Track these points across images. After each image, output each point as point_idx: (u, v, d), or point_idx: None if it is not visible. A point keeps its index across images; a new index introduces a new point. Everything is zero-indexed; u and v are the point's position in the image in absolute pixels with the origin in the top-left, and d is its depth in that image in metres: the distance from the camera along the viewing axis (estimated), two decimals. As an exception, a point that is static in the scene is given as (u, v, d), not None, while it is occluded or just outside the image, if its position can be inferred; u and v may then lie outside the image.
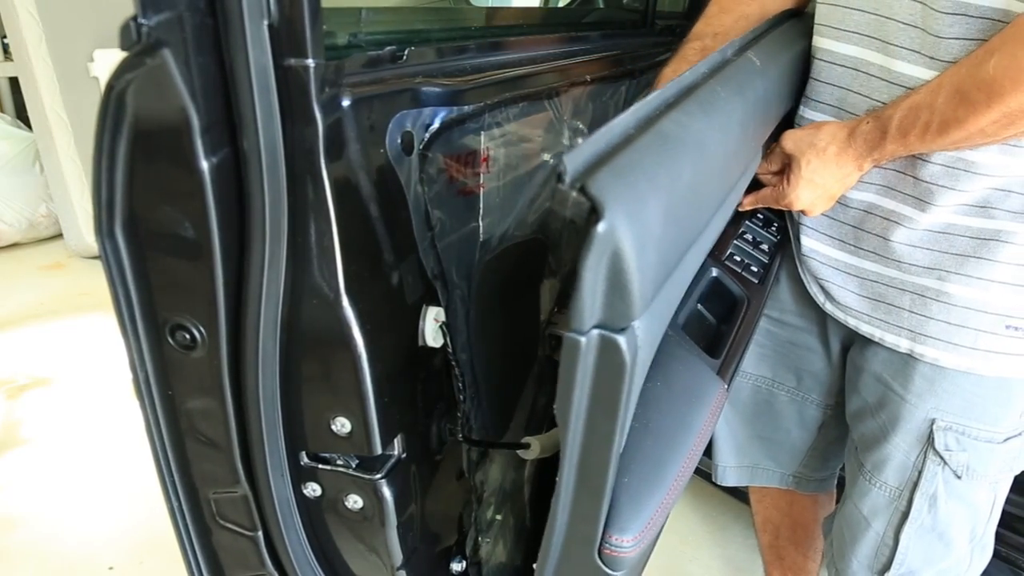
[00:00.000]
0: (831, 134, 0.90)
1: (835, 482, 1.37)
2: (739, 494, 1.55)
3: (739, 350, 0.96)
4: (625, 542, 0.62)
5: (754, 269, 1.05)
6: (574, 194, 0.42)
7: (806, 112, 0.99)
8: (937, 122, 0.79)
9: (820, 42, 0.96)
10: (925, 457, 0.99)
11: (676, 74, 0.99)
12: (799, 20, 1.05)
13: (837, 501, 1.44)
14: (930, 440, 0.98)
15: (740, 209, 1.03)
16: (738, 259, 1.05)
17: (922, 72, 0.84)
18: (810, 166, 0.91)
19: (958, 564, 1.06)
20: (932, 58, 0.82)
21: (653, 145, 0.51)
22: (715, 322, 1.02)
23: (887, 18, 0.86)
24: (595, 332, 0.46)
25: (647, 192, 0.47)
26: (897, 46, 0.85)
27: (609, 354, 0.47)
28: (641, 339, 0.50)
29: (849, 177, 0.91)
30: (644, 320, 0.50)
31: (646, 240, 0.47)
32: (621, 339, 0.47)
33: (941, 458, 0.98)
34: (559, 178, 0.42)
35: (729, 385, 0.89)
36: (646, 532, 0.63)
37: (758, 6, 1.05)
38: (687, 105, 0.60)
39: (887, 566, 1.06)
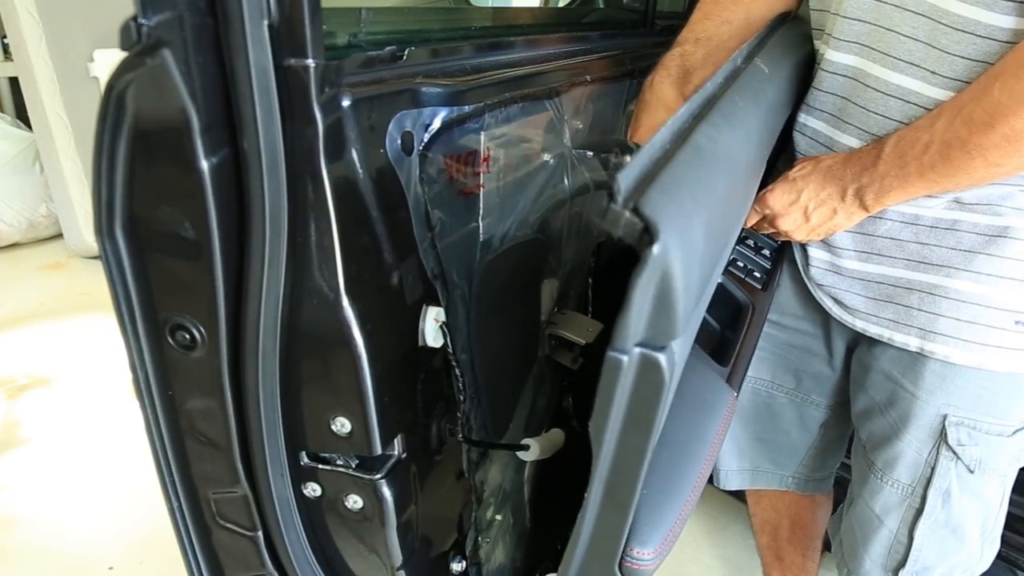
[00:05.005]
0: (833, 154, 0.91)
1: (832, 481, 1.37)
2: (738, 494, 1.56)
3: (746, 357, 0.97)
4: (646, 555, 0.62)
5: (757, 275, 1.05)
6: (627, 214, 0.40)
7: (808, 120, 0.99)
8: (938, 142, 0.79)
9: (821, 48, 0.96)
10: (938, 453, 0.99)
11: (657, 84, 1.01)
12: (795, 25, 1.04)
13: (835, 500, 1.44)
14: (943, 435, 0.98)
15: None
16: (741, 265, 1.05)
17: (922, 86, 0.84)
18: (799, 168, 0.91)
19: (970, 558, 1.07)
20: (934, 72, 0.82)
21: (691, 160, 0.51)
22: (719, 328, 1.02)
23: (887, 29, 0.85)
24: (637, 351, 0.46)
25: (692, 210, 0.47)
26: (897, 58, 0.85)
27: (649, 372, 0.47)
28: (677, 356, 0.49)
29: (829, 200, 0.90)
30: (681, 338, 0.50)
31: (692, 259, 0.46)
32: (662, 357, 0.46)
33: (954, 453, 0.99)
34: (611, 196, 0.41)
35: (738, 392, 0.89)
36: (665, 544, 0.64)
37: (742, 11, 1.04)
38: (713, 117, 0.60)
39: (902, 563, 1.07)
